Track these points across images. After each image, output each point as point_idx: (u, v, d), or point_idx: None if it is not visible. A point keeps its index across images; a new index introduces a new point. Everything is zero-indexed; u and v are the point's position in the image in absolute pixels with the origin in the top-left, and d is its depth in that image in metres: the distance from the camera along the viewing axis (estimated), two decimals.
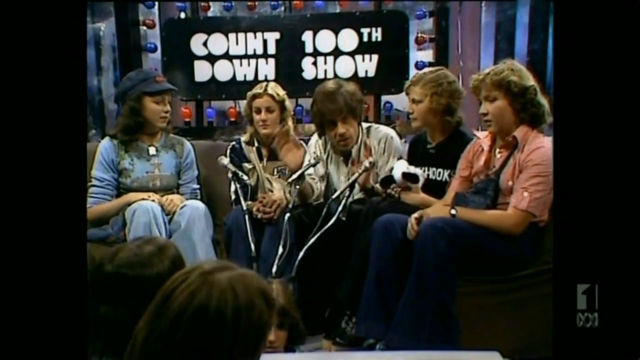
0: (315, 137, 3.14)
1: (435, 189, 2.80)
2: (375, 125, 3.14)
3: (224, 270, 1.15)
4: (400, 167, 2.73)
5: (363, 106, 3.13)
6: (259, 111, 3.09)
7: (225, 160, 2.93)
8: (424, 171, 2.83)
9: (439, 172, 2.88)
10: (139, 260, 1.46)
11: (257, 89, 3.11)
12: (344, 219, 2.77)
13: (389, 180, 2.75)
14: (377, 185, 2.84)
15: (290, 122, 3.15)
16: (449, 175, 2.84)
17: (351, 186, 2.80)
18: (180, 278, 1.14)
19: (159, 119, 2.99)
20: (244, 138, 3.21)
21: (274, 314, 1.18)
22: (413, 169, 2.73)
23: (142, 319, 1.14)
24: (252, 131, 3.17)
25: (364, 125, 3.07)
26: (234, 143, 3.22)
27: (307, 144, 3.18)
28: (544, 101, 2.56)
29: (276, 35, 3.81)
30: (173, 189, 3.04)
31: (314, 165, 2.95)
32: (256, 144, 3.17)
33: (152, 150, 3.03)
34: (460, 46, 4.02)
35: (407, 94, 2.89)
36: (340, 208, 2.74)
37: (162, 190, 2.98)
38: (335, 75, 3.70)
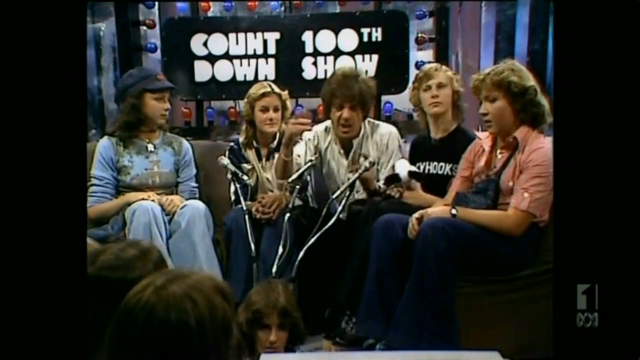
0: (315, 128, 3.12)
1: (437, 182, 2.83)
2: (377, 122, 3.14)
3: (177, 280, 1.13)
4: (404, 166, 2.73)
5: (373, 101, 3.14)
6: (266, 110, 3.08)
7: (226, 161, 2.93)
8: (426, 166, 2.88)
9: (441, 166, 2.91)
10: (121, 264, 1.42)
11: (264, 88, 3.10)
12: (344, 219, 2.78)
13: (394, 178, 2.74)
14: (381, 184, 2.84)
15: (284, 125, 3.17)
16: (451, 170, 2.86)
17: (351, 186, 2.80)
18: (136, 298, 1.12)
19: (158, 116, 3.01)
20: (241, 139, 3.20)
21: (232, 302, 1.16)
22: (414, 168, 2.74)
23: (105, 341, 1.12)
24: (250, 132, 3.16)
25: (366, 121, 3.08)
26: (232, 144, 3.21)
27: None
28: (544, 101, 2.56)
29: (276, 35, 3.81)
30: (172, 187, 3.05)
31: (313, 166, 2.94)
32: (255, 145, 3.17)
33: (150, 147, 3.03)
34: (461, 46, 4.01)
35: (428, 78, 2.91)
36: (340, 208, 2.74)
37: (162, 188, 2.99)
38: None
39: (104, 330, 1.27)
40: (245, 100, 3.16)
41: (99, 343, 1.27)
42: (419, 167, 2.90)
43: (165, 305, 1.09)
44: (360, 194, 2.97)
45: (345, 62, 3.76)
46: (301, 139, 3.05)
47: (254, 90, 3.12)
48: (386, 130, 3.06)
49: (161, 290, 1.11)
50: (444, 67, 2.99)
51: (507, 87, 2.53)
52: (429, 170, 2.87)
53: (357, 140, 3.02)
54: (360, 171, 2.80)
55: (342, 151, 3.05)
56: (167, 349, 1.08)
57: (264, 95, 3.08)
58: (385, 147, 3.01)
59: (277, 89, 3.11)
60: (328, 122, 3.10)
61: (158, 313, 1.08)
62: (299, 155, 3.01)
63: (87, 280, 1.42)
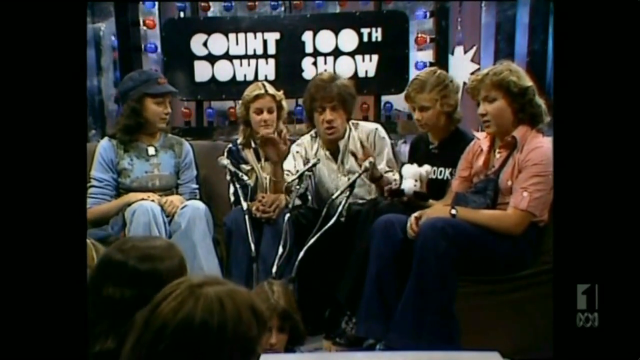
0: (302, 138, 3.14)
1: (437, 187, 2.82)
2: (359, 122, 3.15)
3: (214, 284, 1.15)
4: (410, 183, 2.72)
5: (354, 102, 3.12)
6: (260, 112, 3.08)
7: (225, 161, 2.91)
8: None
9: (441, 171, 2.89)
10: (150, 253, 1.48)
11: (257, 90, 3.09)
12: (343, 219, 2.77)
13: (398, 192, 2.74)
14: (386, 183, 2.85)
15: (282, 124, 3.16)
16: (451, 174, 2.85)
17: (351, 186, 2.80)
18: (169, 290, 1.14)
19: (159, 120, 3.00)
20: (240, 140, 3.19)
21: (265, 330, 1.17)
22: (423, 169, 2.73)
23: (132, 329, 1.14)
24: (247, 132, 3.16)
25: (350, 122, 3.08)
26: (230, 145, 3.20)
27: None
28: (541, 101, 2.57)
29: (276, 35, 3.81)
30: (172, 189, 3.05)
31: (314, 166, 2.94)
32: (253, 145, 3.17)
33: (151, 150, 3.03)
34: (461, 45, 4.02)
35: (412, 101, 2.88)
36: (339, 208, 2.74)
37: (161, 190, 2.99)
38: None
39: (128, 308, 1.32)
40: (241, 101, 3.16)
41: (124, 320, 1.30)
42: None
43: (194, 302, 1.10)
44: (365, 191, 2.97)
45: (345, 63, 3.77)
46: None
47: (248, 92, 3.12)
48: (369, 128, 3.08)
49: (196, 287, 1.13)
50: (432, 81, 2.82)
51: (507, 88, 2.53)
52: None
53: (343, 142, 3.03)
54: (360, 171, 2.80)
55: (330, 155, 3.06)
56: (183, 346, 1.09)
57: (257, 97, 3.07)
58: (373, 145, 3.00)
59: (271, 90, 3.10)
60: (313, 132, 3.12)
61: (185, 308, 1.10)
62: (289, 172, 2.99)
63: (116, 264, 1.45)
